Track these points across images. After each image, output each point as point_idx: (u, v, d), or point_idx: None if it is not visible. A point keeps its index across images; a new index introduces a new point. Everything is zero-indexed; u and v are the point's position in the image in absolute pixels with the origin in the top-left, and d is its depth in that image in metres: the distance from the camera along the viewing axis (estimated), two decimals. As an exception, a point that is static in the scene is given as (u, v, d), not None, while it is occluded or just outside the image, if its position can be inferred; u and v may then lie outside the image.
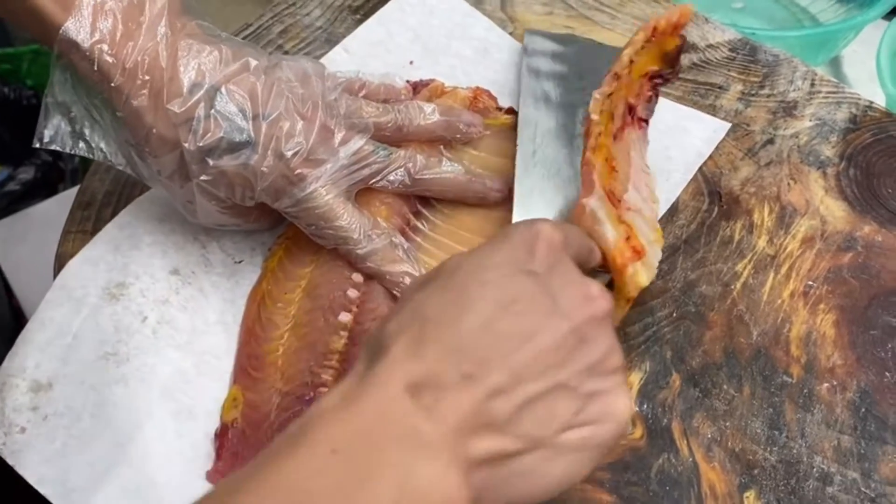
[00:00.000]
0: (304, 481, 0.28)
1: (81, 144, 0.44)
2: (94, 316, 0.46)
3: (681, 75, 0.57)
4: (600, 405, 0.33)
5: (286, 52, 0.59)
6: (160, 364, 0.45)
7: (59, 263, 0.49)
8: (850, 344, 0.46)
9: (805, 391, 0.44)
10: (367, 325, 0.46)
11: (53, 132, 0.44)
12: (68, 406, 0.43)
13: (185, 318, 0.47)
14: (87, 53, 0.41)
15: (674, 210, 0.51)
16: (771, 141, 0.54)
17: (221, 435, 0.43)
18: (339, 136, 0.46)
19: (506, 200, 0.50)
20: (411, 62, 0.58)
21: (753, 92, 0.56)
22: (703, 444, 0.43)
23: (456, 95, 0.53)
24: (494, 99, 0.54)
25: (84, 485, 0.41)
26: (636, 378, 0.45)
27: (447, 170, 0.49)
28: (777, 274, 0.48)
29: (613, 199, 0.43)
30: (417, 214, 0.50)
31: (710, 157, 0.53)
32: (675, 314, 0.47)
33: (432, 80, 0.54)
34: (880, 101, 0.64)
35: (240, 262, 0.49)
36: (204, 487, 0.42)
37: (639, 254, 0.41)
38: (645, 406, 0.44)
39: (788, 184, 0.52)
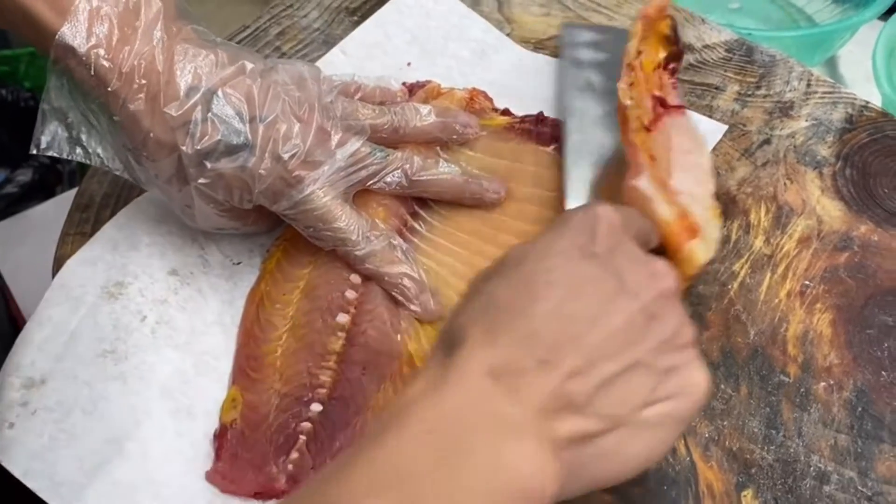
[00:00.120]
0: (404, 460, 0.30)
1: (78, 150, 0.44)
2: (93, 314, 0.46)
3: (678, 76, 0.57)
4: (677, 380, 0.34)
5: (284, 54, 0.59)
6: (159, 363, 0.45)
7: (58, 265, 0.49)
8: (847, 343, 0.46)
9: (802, 390, 0.44)
10: (364, 326, 0.46)
11: (50, 138, 0.44)
12: (59, 401, 0.43)
13: (184, 319, 0.47)
14: (84, 58, 0.41)
15: (671, 210, 0.51)
16: (767, 141, 0.54)
17: (220, 435, 0.43)
18: (335, 138, 0.46)
19: (503, 201, 0.50)
20: (409, 64, 0.58)
21: (750, 92, 0.56)
22: (700, 444, 0.43)
23: (452, 97, 0.53)
24: (491, 100, 0.54)
25: (74, 479, 0.41)
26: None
27: (444, 171, 0.49)
28: (774, 274, 0.48)
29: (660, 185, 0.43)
30: (414, 216, 0.50)
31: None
32: (672, 314, 0.47)
33: (429, 82, 0.54)
34: (876, 101, 0.64)
35: (238, 263, 0.49)
36: (203, 487, 0.42)
37: (694, 231, 0.42)
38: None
39: (785, 184, 0.52)
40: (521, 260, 0.35)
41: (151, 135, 0.43)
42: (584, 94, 0.53)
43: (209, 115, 0.43)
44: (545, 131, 0.52)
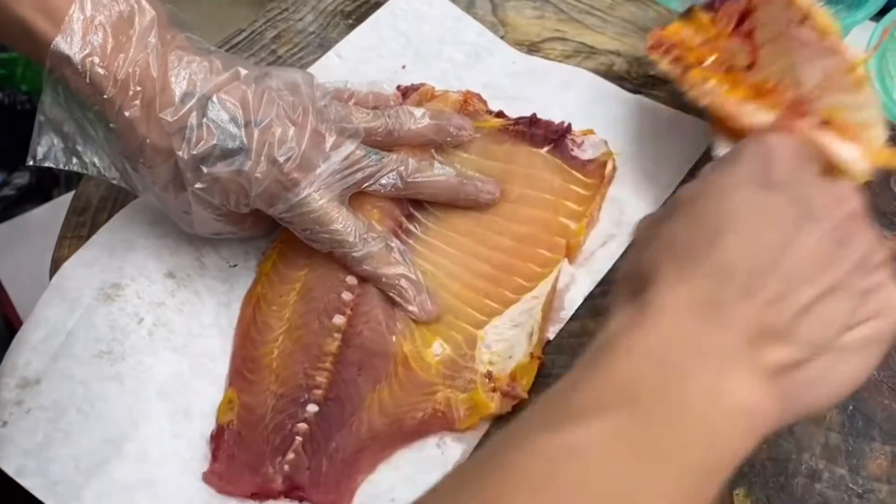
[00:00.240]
0: (626, 381, 0.30)
1: (75, 160, 0.45)
2: (89, 315, 0.47)
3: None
4: (876, 300, 0.34)
5: (279, 57, 0.60)
6: (156, 365, 0.45)
7: (55, 269, 0.49)
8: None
9: (794, 389, 0.45)
10: (360, 327, 0.46)
11: (47, 149, 0.44)
12: (54, 400, 0.44)
13: (181, 321, 0.47)
14: (79, 67, 0.42)
15: (663, 211, 0.51)
16: (759, 142, 0.54)
17: (217, 437, 0.44)
18: (330, 141, 0.46)
19: (497, 203, 0.50)
20: (403, 67, 0.58)
21: (742, 94, 0.57)
22: (693, 443, 0.43)
23: (446, 99, 0.54)
24: (485, 102, 0.54)
25: (70, 478, 0.42)
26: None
27: (439, 173, 0.50)
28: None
29: (799, 111, 0.44)
30: (409, 217, 0.50)
31: (700, 158, 0.53)
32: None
33: (423, 85, 0.55)
34: (869, 101, 0.64)
35: (234, 265, 0.50)
36: (200, 488, 0.42)
37: (855, 143, 0.42)
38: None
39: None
40: (697, 198, 0.35)
41: (148, 141, 0.43)
42: None
43: (204, 120, 0.43)
44: (538, 133, 0.52)
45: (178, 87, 0.43)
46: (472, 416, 0.44)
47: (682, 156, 0.53)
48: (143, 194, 0.46)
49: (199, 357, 0.46)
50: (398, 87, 0.55)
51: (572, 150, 0.52)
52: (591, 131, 0.53)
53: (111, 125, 0.43)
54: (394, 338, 0.46)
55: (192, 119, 0.43)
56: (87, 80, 0.42)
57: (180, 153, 0.43)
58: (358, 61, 0.59)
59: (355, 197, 0.48)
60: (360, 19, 0.61)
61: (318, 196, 0.45)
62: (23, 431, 0.43)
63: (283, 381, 0.45)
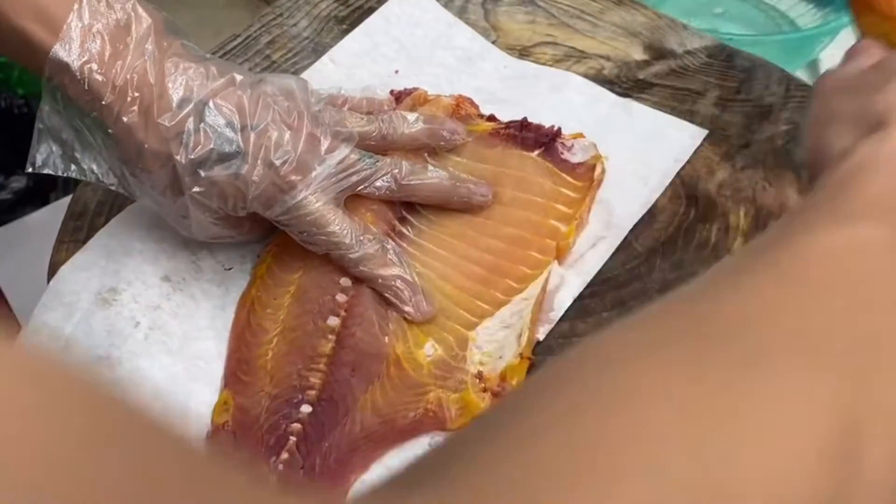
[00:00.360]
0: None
1: (73, 167, 0.45)
2: (87, 320, 0.47)
3: (658, 81, 0.59)
4: None
5: (274, 62, 0.60)
6: (152, 369, 0.46)
7: (53, 273, 0.50)
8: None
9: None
10: (353, 328, 0.47)
11: (45, 156, 0.45)
12: None
13: (177, 324, 0.48)
14: (77, 74, 0.42)
15: (652, 214, 0.52)
16: (747, 145, 0.55)
17: (213, 437, 0.44)
18: (325, 144, 0.47)
19: (489, 205, 0.51)
20: (396, 71, 0.59)
21: (730, 97, 0.58)
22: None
23: (439, 103, 0.55)
24: (477, 107, 0.55)
25: None
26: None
27: (432, 176, 0.50)
28: (753, 274, 0.50)
29: None
30: (402, 220, 0.51)
31: (688, 161, 0.54)
32: (653, 315, 0.48)
33: (416, 89, 0.55)
34: (856, 104, 0.65)
35: (230, 269, 0.50)
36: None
37: None
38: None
39: (763, 186, 0.53)
40: None
41: (146, 146, 0.44)
42: None
43: (201, 125, 0.44)
44: (529, 137, 0.53)
45: (176, 92, 0.44)
46: (463, 415, 0.44)
47: (670, 158, 0.54)
48: (140, 199, 0.47)
49: (194, 359, 0.47)
50: (391, 92, 0.56)
51: (562, 153, 0.53)
52: (580, 135, 0.53)
53: (109, 131, 0.44)
54: (386, 339, 0.47)
55: (190, 124, 0.44)
56: (86, 87, 0.43)
57: (178, 157, 0.44)
58: (352, 66, 0.59)
59: (349, 201, 0.49)
60: (354, 24, 0.62)
61: (314, 199, 0.46)
62: None
63: (277, 383, 0.46)
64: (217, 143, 0.44)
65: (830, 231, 0.28)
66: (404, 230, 0.51)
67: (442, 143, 0.52)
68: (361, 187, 0.49)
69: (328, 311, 0.47)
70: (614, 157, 0.53)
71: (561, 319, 0.48)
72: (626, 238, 0.51)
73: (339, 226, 0.47)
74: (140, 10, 0.44)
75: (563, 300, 0.49)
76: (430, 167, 0.51)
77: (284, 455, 0.44)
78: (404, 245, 0.50)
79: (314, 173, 0.46)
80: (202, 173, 0.44)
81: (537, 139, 0.53)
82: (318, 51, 0.61)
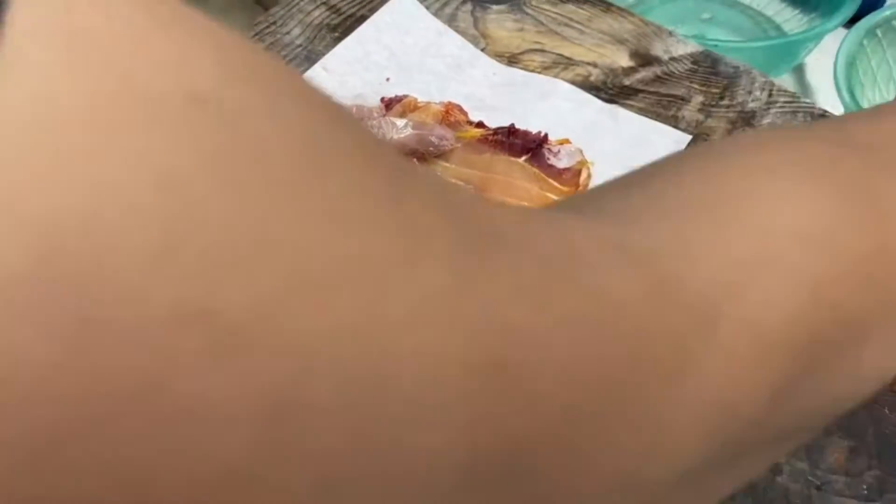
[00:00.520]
0: None
1: None
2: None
3: (644, 87, 0.60)
4: None
5: (267, 70, 0.62)
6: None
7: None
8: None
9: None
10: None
11: None
12: None
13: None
14: None
15: (636, 217, 0.53)
16: (729, 150, 0.57)
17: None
18: None
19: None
20: (388, 79, 0.60)
21: (714, 103, 0.59)
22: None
23: (429, 110, 0.56)
24: (465, 113, 0.57)
25: None
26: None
27: (421, 181, 0.52)
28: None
29: None
30: (393, 225, 0.52)
31: (672, 166, 0.55)
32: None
33: (406, 96, 0.57)
34: (841, 109, 0.67)
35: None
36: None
37: None
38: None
39: (745, 191, 0.55)
40: None
41: None
42: None
43: None
44: (516, 143, 0.54)
45: None
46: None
47: (655, 163, 0.55)
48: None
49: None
50: (382, 99, 0.57)
51: (549, 159, 0.54)
52: (567, 140, 0.55)
53: None
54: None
55: None
56: None
57: None
58: (344, 74, 0.61)
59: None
60: (346, 32, 0.63)
61: None
62: None
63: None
64: None
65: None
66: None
67: (431, 148, 0.53)
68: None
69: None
70: (600, 163, 0.55)
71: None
72: (610, 241, 0.52)
73: None
74: None
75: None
76: (420, 173, 0.52)
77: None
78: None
79: None
80: None
81: (524, 145, 0.54)
82: (312, 58, 0.62)
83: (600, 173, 0.54)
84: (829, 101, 0.73)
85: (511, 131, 0.55)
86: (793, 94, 0.60)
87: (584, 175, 0.53)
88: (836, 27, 0.74)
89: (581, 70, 0.61)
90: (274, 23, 0.64)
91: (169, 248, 0.11)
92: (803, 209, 0.22)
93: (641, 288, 0.19)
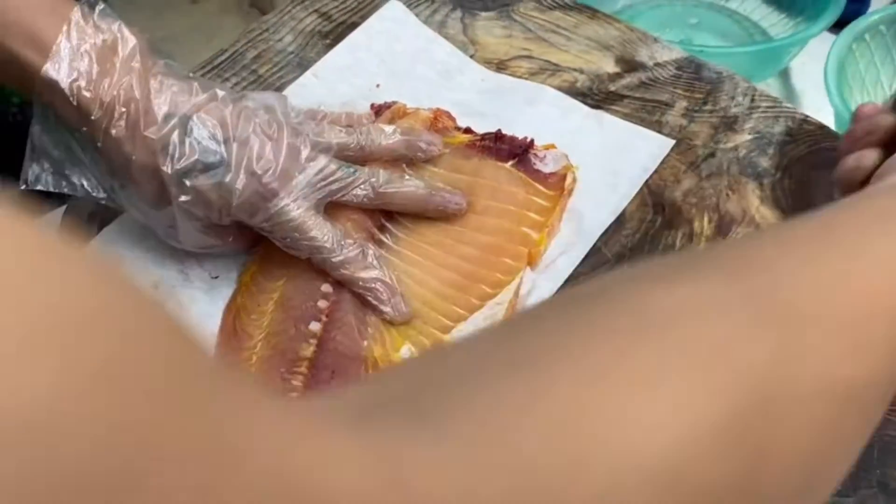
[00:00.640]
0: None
1: (64, 183, 0.48)
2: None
3: (629, 93, 0.61)
4: None
5: (260, 77, 0.63)
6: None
7: (47, 280, 0.52)
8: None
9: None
10: (334, 333, 0.49)
11: (37, 174, 0.48)
12: None
13: (165, 330, 0.50)
14: (67, 92, 0.45)
15: (620, 221, 0.54)
16: (712, 154, 0.58)
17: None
18: (304, 154, 0.49)
19: (464, 214, 0.53)
20: (378, 85, 0.61)
21: (697, 108, 0.60)
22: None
23: (417, 116, 0.57)
24: (453, 119, 0.58)
25: None
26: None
27: (409, 184, 0.53)
28: (716, 279, 0.52)
29: None
30: (381, 229, 0.53)
31: (656, 170, 0.56)
32: (621, 318, 0.50)
33: (395, 103, 0.58)
34: (826, 112, 0.68)
35: (216, 277, 0.53)
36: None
37: None
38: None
39: (727, 194, 0.56)
40: None
41: (134, 158, 0.46)
42: None
43: (186, 137, 0.46)
44: (503, 148, 0.55)
45: (161, 108, 0.46)
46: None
47: (639, 167, 0.56)
48: (129, 211, 0.49)
49: (182, 363, 0.49)
50: (372, 105, 0.58)
51: (535, 163, 0.55)
52: (552, 146, 0.56)
53: (98, 145, 0.46)
54: (365, 343, 0.49)
55: (175, 136, 0.46)
56: (75, 104, 0.45)
57: (165, 168, 0.46)
58: (334, 80, 0.62)
59: (330, 210, 0.51)
60: (338, 39, 0.64)
61: (295, 206, 0.48)
62: None
63: (260, 384, 0.48)
64: (201, 153, 0.46)
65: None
66: (383, 238, 0.53)
67: (419, 154, 0.54)
68: (340, 195, 0.51)
69: (310, 317, 0.49)
70: (585, 167, 0.56)
71: (532, 323, 0.50)
72: (595, 244, 0.53)
73: (321, 231, 0.49)
74: (126, 31, 0.46)
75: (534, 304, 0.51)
76: (407, 177, 0.53)
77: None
78: (383, 252, 0.52)
79: (295, 181, 0.48)
80: (188, 183, 0.47)
81: (511, 150, 0.55)
82: (304, 65, 0.63)
83: (585, 177, 0.56)
84: (814, 104, 0.75)
85: (498, 137, 0.56)
86: (774, 99, 0.61)
87: (569, 179, 0.54)
88: (820, 31, 0.75)
89: (568, 76, 0.62)
90: (266, 30, 0.65)
91: None
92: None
93: None
